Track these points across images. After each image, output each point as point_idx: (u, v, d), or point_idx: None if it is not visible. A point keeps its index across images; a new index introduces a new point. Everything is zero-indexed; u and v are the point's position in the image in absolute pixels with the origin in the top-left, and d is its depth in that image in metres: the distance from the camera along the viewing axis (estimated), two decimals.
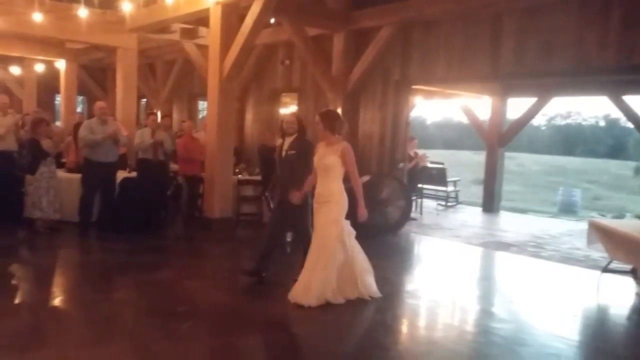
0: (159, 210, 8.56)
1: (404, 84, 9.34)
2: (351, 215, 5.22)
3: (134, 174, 8.70)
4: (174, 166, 9.51)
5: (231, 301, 5.33)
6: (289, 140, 5.69)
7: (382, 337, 4.46)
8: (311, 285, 4.95)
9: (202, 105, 14.84)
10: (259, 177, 9.26)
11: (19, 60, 13.91)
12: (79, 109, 15.47)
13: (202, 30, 10.37)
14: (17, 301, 5.06)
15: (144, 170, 8.54)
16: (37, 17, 8.04)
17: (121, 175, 8.34)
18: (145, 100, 15.65)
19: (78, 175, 8.12)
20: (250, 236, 8.56)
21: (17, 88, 15.09)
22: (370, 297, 5.23)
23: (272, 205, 6.46)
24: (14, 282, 5.71)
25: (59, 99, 15.06)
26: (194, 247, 7.83)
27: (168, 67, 14.63)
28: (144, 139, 8.52)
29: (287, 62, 10.94)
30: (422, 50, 8.90)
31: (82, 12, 7.82)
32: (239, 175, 9.40)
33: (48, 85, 15.09)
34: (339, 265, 5.06)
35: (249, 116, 12.11)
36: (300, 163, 5.50)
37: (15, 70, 14.33)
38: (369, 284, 5.29)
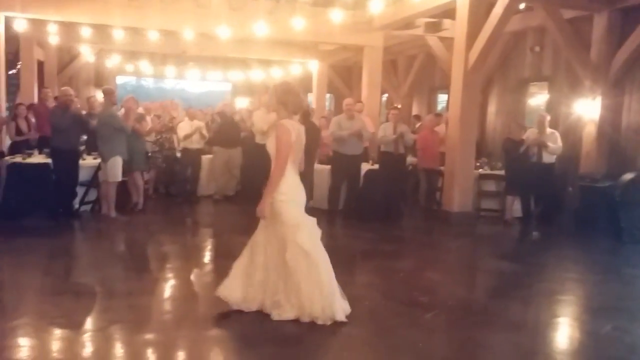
0: (398, 202, 8.78)
1: None
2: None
3: (376, 166, 9.06)
4: (412, 159, 9.66)
5: (472, 297, 5.23)
6: None
7: None
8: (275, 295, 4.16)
9: (441, 98, 14.77)
10: (501, 172, 8.85)
11: (278, 63, 15.62)
12: (328, 107, 16.68)
13: (447, 22, 10.28)
14: None
15: (385, 163, 8.84)
16: (298, 23, 8.90)
17: (365, 167, 8.76)
18: (386, 95, 16.18)
19: (327, 167, 8.78)
20: (491, 233, 8.25)
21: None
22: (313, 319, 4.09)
23: None
24: None
25: (310, 98, 16.48)
26: (432, 240, 7.84)
27: (409, 62, 14.88)
28: (386, 132, 8.81)
29: (537, 48, 10.19)
30: None
31: (337, 15, 8.39)
32: (480, 170, 9.11)
33: (301, 85, 16.63)
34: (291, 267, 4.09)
35: (492, 108, 11.64)
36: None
37: (275, 72, 16.12)
38: (314, 300, 4.09)
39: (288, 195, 4.13)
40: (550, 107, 9.86)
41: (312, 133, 4.90)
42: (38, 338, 3.78)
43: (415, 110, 14.53)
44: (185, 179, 9.73)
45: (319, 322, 4.05)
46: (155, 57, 16.04)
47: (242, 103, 15.12)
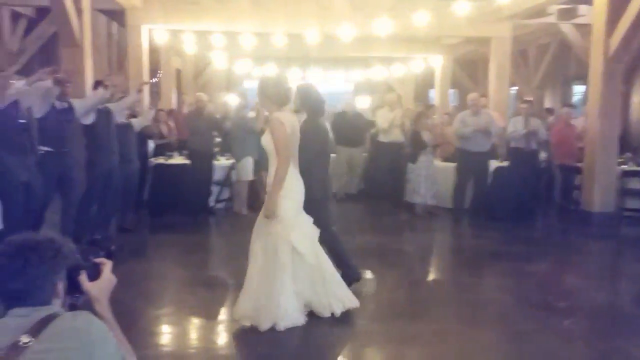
0: (530, 200, 8.30)
1: None
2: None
3: (505, 163, 8.63)
4: (544, 155, 9.08)
5: (617, 304, 4.79)
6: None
7: None
8: (260, 301, 3.94)
9: (576, 89, 13.74)
10: None
11: (400, 60, 15.45)
12: (452, 103, 16.21)
13: (582, 8, 9.52)
14: (401, 275, 5.62)
15: (515, 159, 8.39)
16: (420, 17, 8.73)
17: (494, 164, 8.40)
18: (515, 88, 15.39)
19: (452, 164, 8.54)
20: (637, 235, 7.52)
21: (397, 85, 16.81)
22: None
23: None
24: (399, 258, 6.35)
25: (432, 93, 16.11)
26: (569, 242, 7.29)
27: (541, 52, 14.03)
28: (516, 127, 8.35)
29: None
30: None
31: (462, 8, 8.11)
32: (624, 166, 8.33)
33: (424, 81, 16.33)
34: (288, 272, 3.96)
35: (637, 99, 10.60)
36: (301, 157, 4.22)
37: (397, 69, 15.96)
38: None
39: (285, 191, 4.00)
40: None
41: (321, 133, 4.82)
42: (180, 326, 4.10)
43: (547, 103, 13.67)
44: None
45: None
46: (279, 61, 16.63)
47: (363, 102, 15.21)
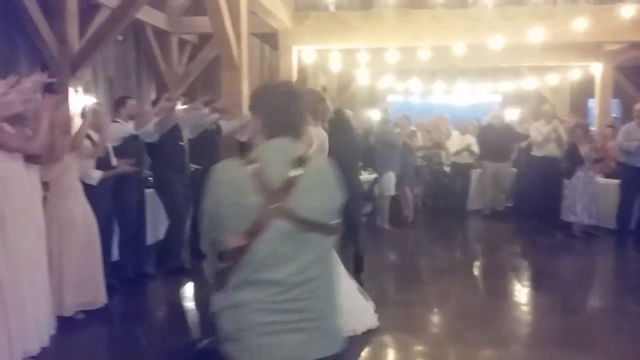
0: None
1: None
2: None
3: None
4: None
5: None
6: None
7: None
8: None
9: None
10: None
11: (554, 69, 14.50)
12: (614, 113, 14.84)
13: None
14: (556, 300, 5.23)
15: None
16: (579, 24, 8.15)
17: None
18: None
19: (615, 181, 7.81)
20: None
21: (550, 95, 15.78)
22: None
23: None
24: (553, 281, 5.92)
25: (591, 103, 14.90)
26: None
27: None
28: None
29: None
30: None
31: (627, 10, 7.45)
32: None
33: (581, 90, 15.14)
34: None
35: None
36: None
37: (550, 78, 15.00)
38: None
39: None
40: None
41: (353, 144, 4.97)
42: None
43: None
44: (454, 193, 9.73)
45: None
46: (423, 73, 16.45)
47: (512, 114, 14.53)
